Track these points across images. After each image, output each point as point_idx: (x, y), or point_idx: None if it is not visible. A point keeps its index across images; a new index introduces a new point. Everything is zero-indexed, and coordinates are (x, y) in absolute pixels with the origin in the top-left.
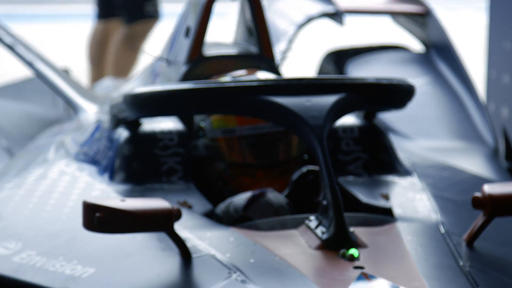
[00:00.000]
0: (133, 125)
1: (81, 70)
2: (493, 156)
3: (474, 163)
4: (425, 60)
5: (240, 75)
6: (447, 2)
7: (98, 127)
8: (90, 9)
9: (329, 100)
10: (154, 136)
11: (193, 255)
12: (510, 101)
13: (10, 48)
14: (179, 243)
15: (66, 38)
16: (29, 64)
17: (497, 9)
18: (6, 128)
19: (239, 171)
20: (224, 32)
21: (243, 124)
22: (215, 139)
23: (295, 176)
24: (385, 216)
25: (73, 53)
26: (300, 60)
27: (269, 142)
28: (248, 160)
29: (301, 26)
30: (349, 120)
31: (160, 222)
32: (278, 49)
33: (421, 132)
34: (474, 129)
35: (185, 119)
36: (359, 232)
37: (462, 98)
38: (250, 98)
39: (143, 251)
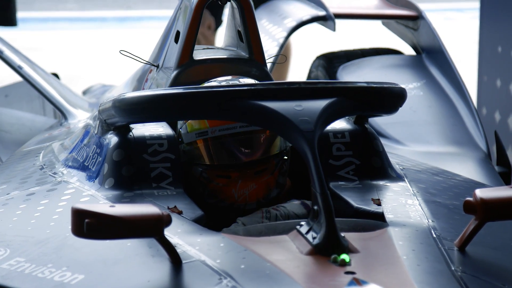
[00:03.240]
0: (122, 130)
1: (70, 75)
2: (485, 160)
3: (466, 168)
4: (417, 65)
5: (226, 79)
6: (443, 12)
7: (87, 132)
8: (78, 15)
9: (320, 104)
10: (143, 142)
11: (183, 261)
12: (501, 105)
13: None
14: (169, 249)
15: (56, 44)
16: (18, 69)
17: (488, 15)
18: None
19: (214, 173)
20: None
21: (214, 125)
22: (191, 143)
23: None
24: (376, 221)
25: (63, 58)
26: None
27: (241, 142)
28: (221, 161)
29: (292, 30)
30: (340, 124)
31: (150, 228)
32: (268, 53)
33: (413, 137)
34: (467, 134)
35: (174, 124)
36: (350, 237)
37: (454, 103)
38: (240, 103)
39: (132, 257)
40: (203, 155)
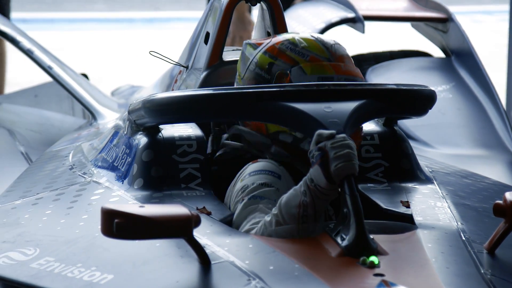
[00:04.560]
0: (152, 131)
1: (98, 76)
2: None
3: (495, 171)
4: (446, 67)
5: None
6: (471, 14)
7: (116, 133)
8: (106, 15)
9: (349, 106)
10: (173, 142)
11: (212, 262)
12: None
13: (28, 53)
14: (198, 249)
15: (83, 45)
16: (48, 69)
17: None
18: (24, 133)
19: None
20: None
21: (340, 73)
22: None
23: None
24: (405, 223)
25: (90, 59)
26: None
27: None
28: None
29: (321, 32)
30: (369, 126)
31: (179, 229)
32: None
33: (442, 139)
34: (496, 137)
35: (203, 125)
36: (380, 239)
37: (483, 106)
38: (270, 104)
39: (161, 257)
40: None
